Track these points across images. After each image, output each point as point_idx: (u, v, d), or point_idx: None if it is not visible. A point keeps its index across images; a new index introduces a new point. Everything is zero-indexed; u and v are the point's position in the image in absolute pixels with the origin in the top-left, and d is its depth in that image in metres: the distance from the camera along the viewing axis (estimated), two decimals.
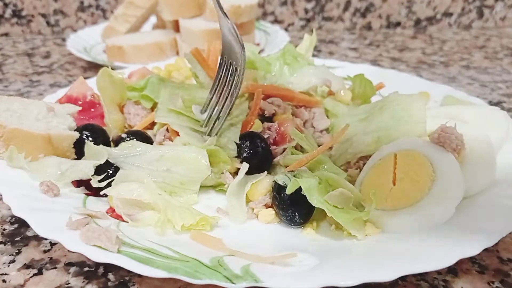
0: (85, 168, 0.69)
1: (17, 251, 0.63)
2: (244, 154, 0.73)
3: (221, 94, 0.76)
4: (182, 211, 0.64)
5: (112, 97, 0.84)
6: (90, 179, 0.69)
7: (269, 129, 0.78)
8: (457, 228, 0.60)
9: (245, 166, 0.69)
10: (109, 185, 0.68)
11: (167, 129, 0.80)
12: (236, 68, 0.73)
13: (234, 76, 0.73)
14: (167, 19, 1.43)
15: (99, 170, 0.70)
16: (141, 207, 0.66)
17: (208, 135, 0.76)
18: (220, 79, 0.77)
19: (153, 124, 0.84)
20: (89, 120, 0.86)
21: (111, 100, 0.84)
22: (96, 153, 0.71)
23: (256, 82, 0.91)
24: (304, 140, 0.76)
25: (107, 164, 0.70)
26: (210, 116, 0.77)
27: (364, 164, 0.74)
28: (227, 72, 0.76)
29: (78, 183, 0.71)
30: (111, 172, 0.69)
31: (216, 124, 0.75)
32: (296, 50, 0.97)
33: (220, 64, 0.78)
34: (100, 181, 0.68)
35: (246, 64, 0.91)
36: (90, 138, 0.77)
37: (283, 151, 0.76)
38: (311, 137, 0.79)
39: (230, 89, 0.74)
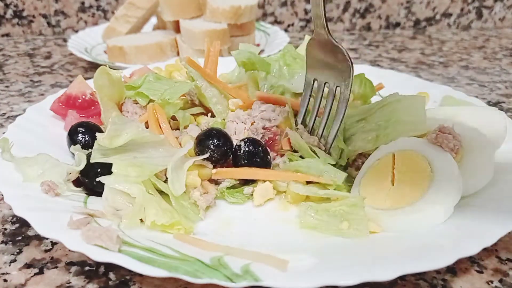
0: (61, 170, 0.69)
1: (18, 250, 0.63)
2: (241, 162, 0.73)
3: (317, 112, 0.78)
4: (162, 211, 0.63)
5: (110, 95, 0.84)
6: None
7: (262, 136, 0.79)
8: (456, 227, 0.61)
9: (188, 146, 0.71)
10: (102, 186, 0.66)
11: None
12: (335, 87, 0.73)
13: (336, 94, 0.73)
14: (167, 19, 1.43)
15: (87, 171, 0.69)
16: (131, 202, 0.64)
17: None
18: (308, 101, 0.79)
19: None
20: (88, 118, 0.87)
21: (109, 98, 0.84)
22: (78, 158, 0.70)
23: (257, 83, 0.91)
24: (303, 147, 0.75)
25: (94, 167, 0.68)
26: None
27: (362, 163, 0.74)
28: (319, 93, 0.76)
29: (78, 183, 0.71)
30: (99, 173, 0.67)
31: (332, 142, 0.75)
32: (296, 51, 0.97)
33: (309, 84, 0.79)
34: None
35: (246, 65, 0.92)
36: (86, 136, 0.77)
37: (282, 156, 0.77)
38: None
39: (337, 104, 0.73)
